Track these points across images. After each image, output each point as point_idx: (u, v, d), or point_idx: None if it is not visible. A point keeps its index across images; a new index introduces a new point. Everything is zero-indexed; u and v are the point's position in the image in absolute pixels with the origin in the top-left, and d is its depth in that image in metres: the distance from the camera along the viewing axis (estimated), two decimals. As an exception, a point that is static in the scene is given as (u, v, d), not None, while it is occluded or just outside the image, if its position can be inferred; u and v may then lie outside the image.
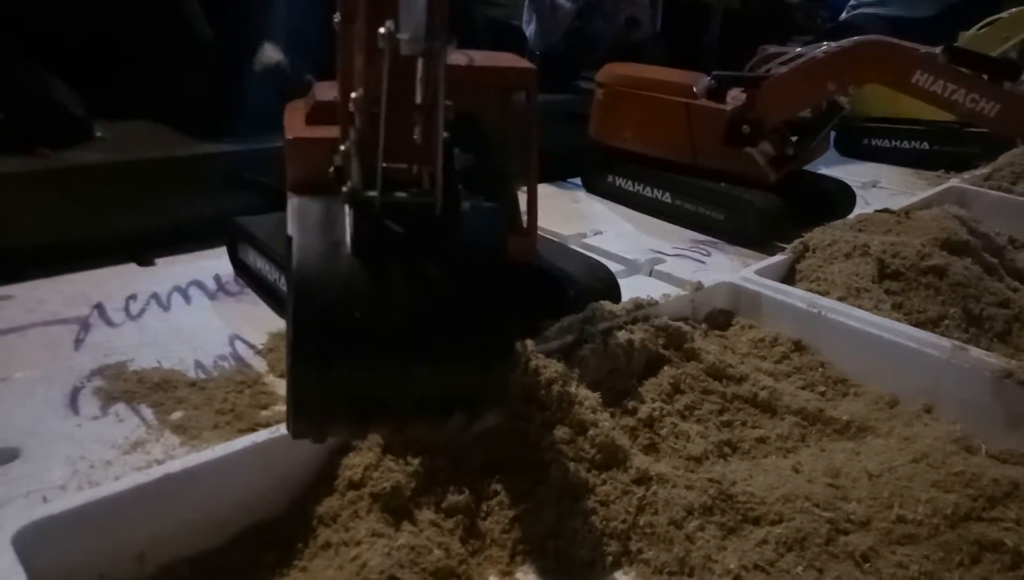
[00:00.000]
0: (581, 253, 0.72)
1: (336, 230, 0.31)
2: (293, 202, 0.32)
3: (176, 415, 0.51)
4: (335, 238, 0.30)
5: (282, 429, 0.42)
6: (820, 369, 0.62)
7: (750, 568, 0.43)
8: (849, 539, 0.44)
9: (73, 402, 0.52)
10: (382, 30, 0.29)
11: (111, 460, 0.47)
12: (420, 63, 0.30)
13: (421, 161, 0.31)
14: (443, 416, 0.32)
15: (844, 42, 0.89)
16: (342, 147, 0.33)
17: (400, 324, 0.30)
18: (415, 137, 0.31)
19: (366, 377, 0.30)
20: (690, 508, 0.46)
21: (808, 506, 0.46)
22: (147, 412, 0.51)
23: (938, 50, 0.83)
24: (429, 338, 0.30)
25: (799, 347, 0.64)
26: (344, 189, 0.31)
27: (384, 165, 0.31)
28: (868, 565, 0.43)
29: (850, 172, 1.23)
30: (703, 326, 0.66)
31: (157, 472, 0.39)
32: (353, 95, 0.32)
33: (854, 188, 1.03)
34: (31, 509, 0.35)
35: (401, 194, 0.31)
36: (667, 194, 0.99)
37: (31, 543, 0.34)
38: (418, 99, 0.31)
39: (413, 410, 0.32)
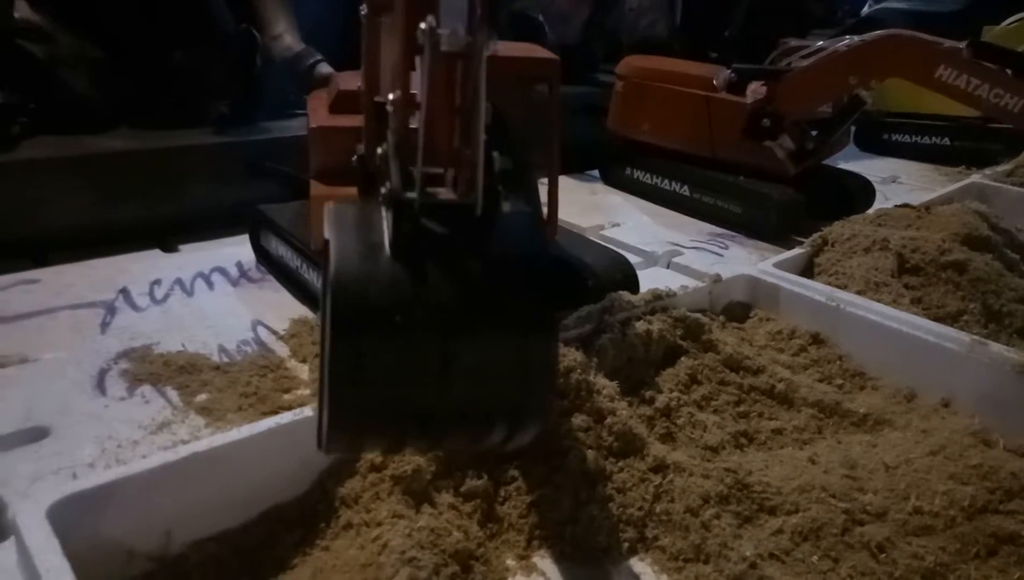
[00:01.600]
0: (600, 244, 0.72)
1: (374, 232, 0.30)
2: (329, 206, 0.31)
3: (201, 397, 0.52)
4: (373, 240, 0.29)
5: (305, 411, 0.43)
6: (838, 362, 0.62)
7: (765, 557, 0.43)
8: (865, 530, 0.44)
9: (100, 383, 0.53)
10: (423, 25, 0.29)
11: (138, 440, 0.48)
12: (459, 63, 0.30)
13: (460, 165, 0.31)
14: (483, 430, 0.31)
15: (867, 36, 0.88)
16: (379, 150, 0.32)
17: (442, 330, 0.29)
18: (454, 140, 0.31)
19: (405, 386, 0.29)
20: (706, 496, 0.46)
21: (824, 496, 0.46)
22: (172, 394, 0.52)
23: (962, 45, 0.82)
24: (471, 346, 0.29)
25: (817, 340, 0.64)
26: (382, 191, 0.30)
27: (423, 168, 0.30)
28: (884, 556, 0.43)
29: (870, 167, 1.22)
30: (721, 318, 0.66)
31: (184, 451, 0.40)
32: (391, 96, 0.32)
33: (874, 183, 1.02)
34: (62, 485, 0.36)
35: (440, 195, 0.30)
36: (685, 187, 0.99)
37: (64, 518, 0.35)
38: (458, 100, 0.30)
39: (452, 424, 0.31)
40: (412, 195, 0.29)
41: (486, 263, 0.30)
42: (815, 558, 0.44)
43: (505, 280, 0.30)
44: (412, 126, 0.32)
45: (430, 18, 0.29)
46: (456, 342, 0.29)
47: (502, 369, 0.30)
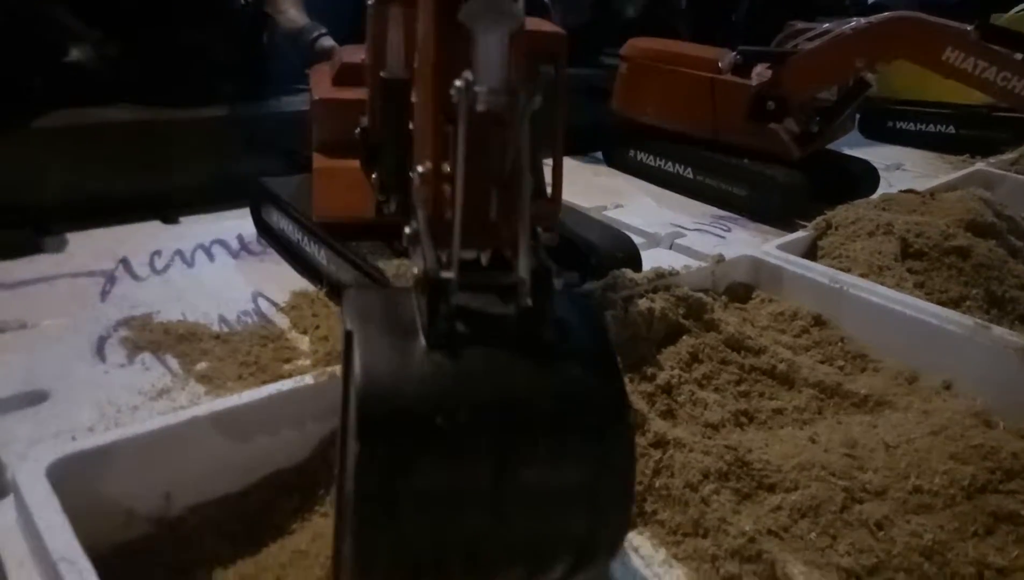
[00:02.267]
0: (603, 222, 0.72)
1: (404, 320, 0.25)
2: (348, 292, 0.27)
3: (201, 365, 0.52)
4: (405, 329, 0.25)
5: (306, 379, 0.43)
6: (840, 344, 0.62)
7: (764, 532, 0.43)
8: (864, 507, 0.44)
9: (100, 350, 0.53)
10: (458, 82, 0.25)
11: (138, 406, 0.48)
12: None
13: (502, 244, 0.27)
14: (544, 566, 0.25)
15: (873, 17, 0.87)
16: (407, 230, 0.28)
17: (496, 436, 0.23)
18: (491, 214, 0.27)
19: (451, 512, 0.23)
20: (706, 472, 0.46)
21: (824, 475, 0.46)
22: (172, 362, 0.52)
23: (970, 27, 0.82)
24: (532, 457, 0.24)
25: (819, 322, 0.63)
26: (413, 271, 0.26)
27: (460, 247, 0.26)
28: (882, 533, 0.43)
29: (874, 154, 1.21)
30: (723, 298, 0.66)
31: (184, 415, 0.39)
32: (420, 168, 0.28)
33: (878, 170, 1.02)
34: (62, 445, 0.36)
35: (481, 274, 0.26)
36: (689, 169, 0.99)
37: (63, 477, 0.35)
38: (497, 167, 0.26)
39: (506, 559, 0.25)
40: (449, 275, 0.25)
41: (544, 354, 0.25)
42: (814, 535, 0.44)
43: (571, 374, 0.25)
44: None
45: (467, 74, 0.25)
46: (514, 452, 0.23)
47: (572, 488, 0.24)
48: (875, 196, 0.87)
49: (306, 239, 0.67)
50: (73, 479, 0.35)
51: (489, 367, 0.24)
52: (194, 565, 0.37)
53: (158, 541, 0.38)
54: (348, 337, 0.25)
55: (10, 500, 0.35)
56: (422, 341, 0.24)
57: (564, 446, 0.24)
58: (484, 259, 0.28)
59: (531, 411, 0.24)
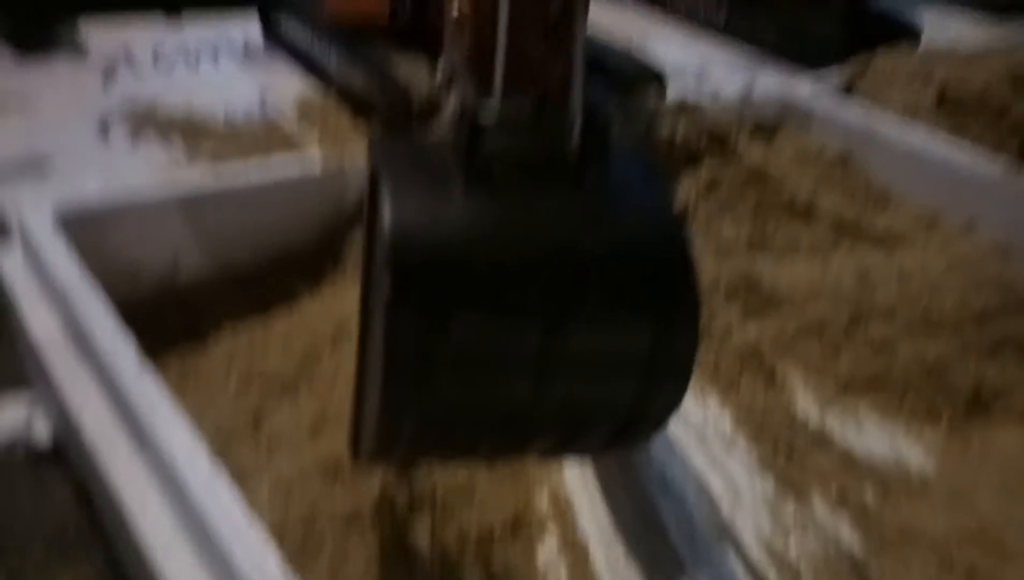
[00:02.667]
0: (629, 50, 0.69)
1: (439, 164, 0.22)
2: (375, 142, 0.24)
3: (206, 151, 0.50)
4: (440, 173, 0.21)
5: (315, 161, 0.42)
6: (864, 183, 0.60)
7: (767, 344, 0.44)
8: (870, 328, 0.44)
9: (104, 132, 0.52)
10: None
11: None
12: None
13: (550, 81, 0.23)
14: (583, 432, 0.23)
15: None
16: (439, 71, 0.26)
17: (544, 289, 0.20)
18: (538, 52, 0.23)
19: (491, 375, 0.20)
20: (715, 286, 0.46)
21: (833, 297, 0.46)
22: (177, 146, 0.51)
23: None
24: (585, 316, 0.21)
25: (844, 161, 0.61)
26: (447, 114, 0.23)
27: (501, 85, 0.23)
28: (886, 351, 0.43)
29: (919, 15, 1.15)
30: (748, 132, 0.64)
31: (192, 185, 0.39)
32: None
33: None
34: (70, 195, 0.36)
35: (528, 115, 0.22)
36: (723, 10, 0.93)
37: (69, 225, 0.34)
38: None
39: (546, 425, 0.22)
40: (489, 113, 0.21)
41: (597, 200, 0.21)
42: (817, 349, 0.44)
43: (629, 222, 0.21)
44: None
45: None
46: (563, 306, 0.20)
47: (626, 350, 0.21)
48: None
49: (316, 42, 0.64)
50: (78, 229, 0.35)
51: (535, 212, 0.21)
52: (203, 326, 0.37)
53: (164, 304, 0.38)
54: (374, 185, 0.22)
55: (17, 248, 0.35)
56: (459, 186, 0.21)
57: (621, 301, 0.21)
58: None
59: (584, 261, 0.21)
